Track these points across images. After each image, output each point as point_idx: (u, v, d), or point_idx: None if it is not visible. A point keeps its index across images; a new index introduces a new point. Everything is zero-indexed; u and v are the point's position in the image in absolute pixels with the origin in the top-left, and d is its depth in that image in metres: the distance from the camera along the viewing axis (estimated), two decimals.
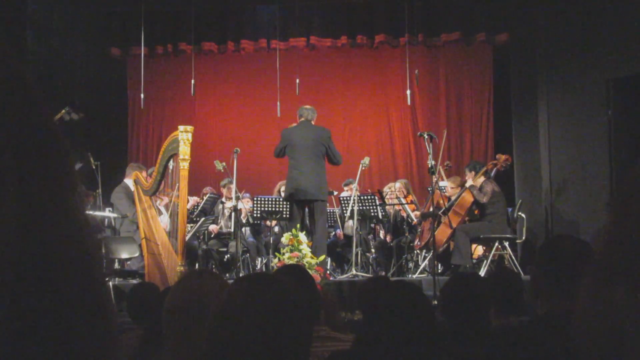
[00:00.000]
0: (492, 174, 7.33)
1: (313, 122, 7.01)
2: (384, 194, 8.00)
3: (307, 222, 7.17)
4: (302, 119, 6.99)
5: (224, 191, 8.36)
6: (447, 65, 10.16)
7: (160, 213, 7.15)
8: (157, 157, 6.77)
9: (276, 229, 8.26)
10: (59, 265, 0.51)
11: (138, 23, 8.97)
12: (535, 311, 1.98)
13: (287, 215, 7.25)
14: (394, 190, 8.21)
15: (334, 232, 8.60)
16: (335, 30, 9.64)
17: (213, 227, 7.99)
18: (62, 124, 7.25)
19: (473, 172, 7.21)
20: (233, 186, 7.28)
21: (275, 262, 6.67)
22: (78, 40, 9.12)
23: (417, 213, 7.82)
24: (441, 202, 7.45)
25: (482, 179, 7.08)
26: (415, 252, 7.73)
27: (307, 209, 6.99)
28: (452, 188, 7.50)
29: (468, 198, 7.12)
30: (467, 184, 7.16)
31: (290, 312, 1.42)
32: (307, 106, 7.09)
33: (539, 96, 8.04)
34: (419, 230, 7.68)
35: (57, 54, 8.77)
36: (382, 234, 8.53)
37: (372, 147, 10.20)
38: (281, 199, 7.55)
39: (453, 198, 7.34)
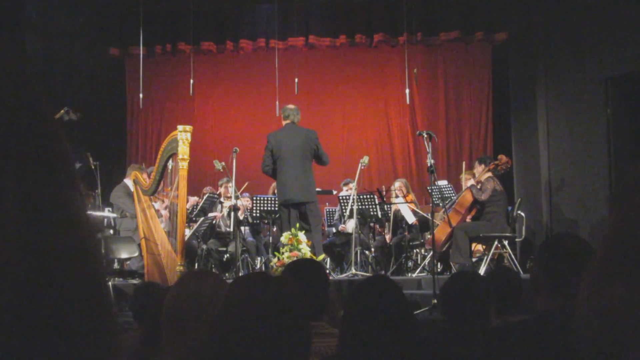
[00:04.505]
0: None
1: (298, 124, 6.90)
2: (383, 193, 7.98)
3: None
4: (288, 121, 6.84)
5: (222, 190, 8.36)
6: (446, 64, 10.16)
7: (160, 215, 7.14)
8: (156, 157, 6.76)
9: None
10: (59, 264, 0.51)
11: (137, 23, 8.97)
12: (535, 309, 1.98)
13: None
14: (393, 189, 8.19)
15: (334, 231, 8.57)
16: (334, 29, 9.64)
17: (217, 214, 8.02)
18: (60, 124, 7.23)
19: (482, 165, 7.18)
20: (232, 185, 7.27)
21: (274, 262, 6.66)
22: (77, 41, 9.11)
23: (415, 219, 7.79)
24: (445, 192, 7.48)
25: (488, 174, 7.07)
26: (415, 250, 7.71)
27: (299, 212, 6.92)
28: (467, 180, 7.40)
29: (468, 197, 7.12)
30: (469, 184, 7.14)
31: (290, 311, 1.42)
32: (291, 106, 6.94)
33: (538, 94, 8.04)
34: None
35: (56, 54, 8.76)
36: (387, 238, 8.40)
37: (371, 146, 10.20)
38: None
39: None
